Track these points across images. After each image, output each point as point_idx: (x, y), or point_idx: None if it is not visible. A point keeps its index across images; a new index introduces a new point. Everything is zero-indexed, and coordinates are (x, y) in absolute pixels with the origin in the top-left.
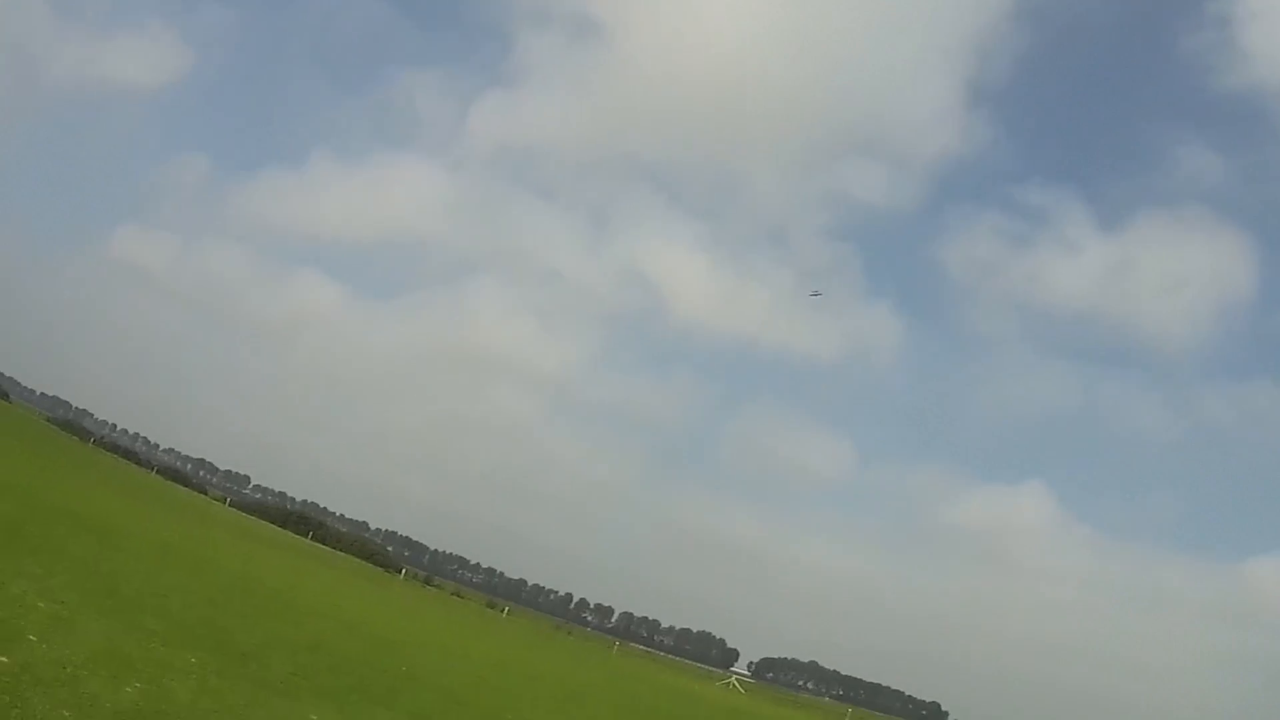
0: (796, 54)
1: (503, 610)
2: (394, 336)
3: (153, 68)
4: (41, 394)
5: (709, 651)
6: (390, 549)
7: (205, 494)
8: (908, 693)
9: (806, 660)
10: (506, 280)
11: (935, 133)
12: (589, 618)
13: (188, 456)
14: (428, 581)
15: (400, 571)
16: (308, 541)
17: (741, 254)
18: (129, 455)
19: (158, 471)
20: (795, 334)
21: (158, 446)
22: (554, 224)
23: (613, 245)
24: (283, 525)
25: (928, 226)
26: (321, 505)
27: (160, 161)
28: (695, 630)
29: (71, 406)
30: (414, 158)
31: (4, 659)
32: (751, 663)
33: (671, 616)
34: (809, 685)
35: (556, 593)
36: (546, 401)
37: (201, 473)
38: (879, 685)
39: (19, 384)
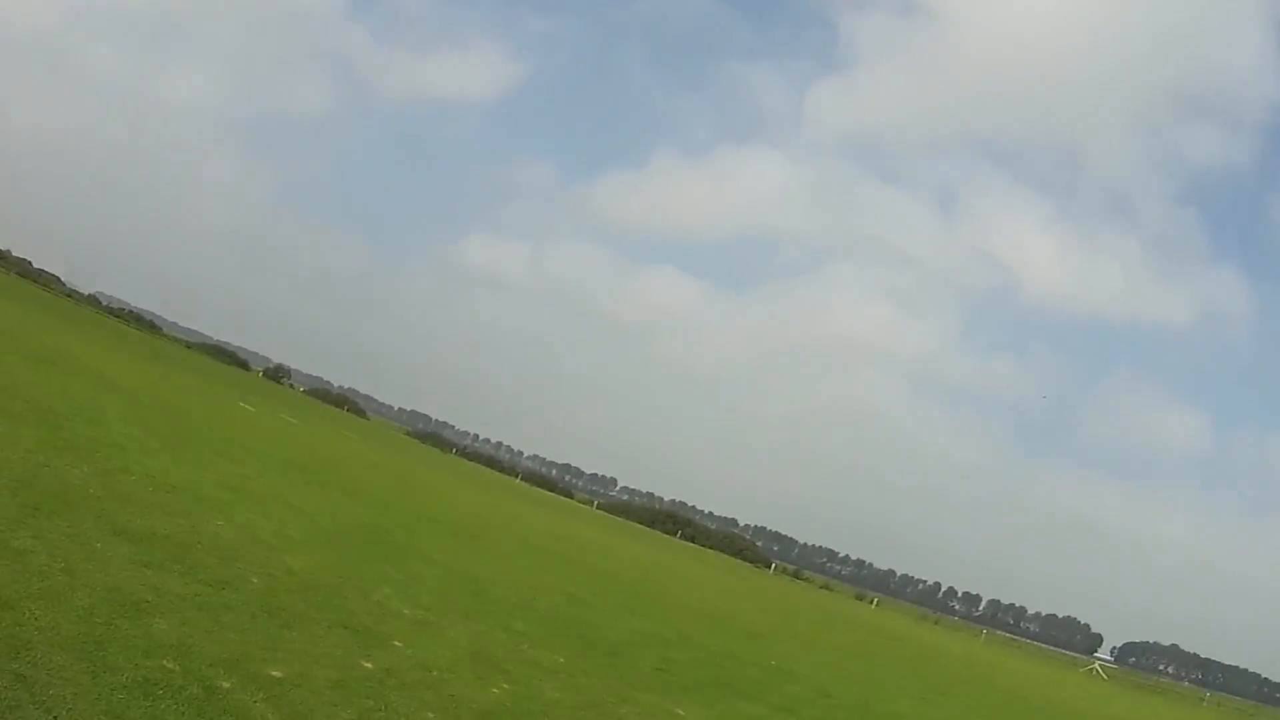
0: (1119, 15)
1: (871, 601)
2: (752, 329)
3: (484, 82)
4: (400, 409)
5: (1073, 638)
6: (759, 544)
7: (572, 498)
8: (1264, 675)
9: (1167, 643)
10: (859, 266)
11: (1258, 82)
12: (956, 606)
13: (552, 462)
14: (796, 575)
15: (770, 566)
16: (676, 540)
17: (1086, 226)
18: (492, 463)
19: (522, 478)
20: (1147, 303)
21: (521, 454)
22: (901, 207)
23: (960, 225)
24: (651, 525)
25: (1264, 181)
26: (690, 504)
27: (504, 170)
28: (1060, 616)
29: (431, 419)
30: (757, 150)
31: (369, 664)
32: (1114, 648)
33: (1037, 602)
34: (1169, 670)
35: (925, 582)
36: (907, 385)
37: (568, 477)
38: (1236, 668)
39: (376, 400)
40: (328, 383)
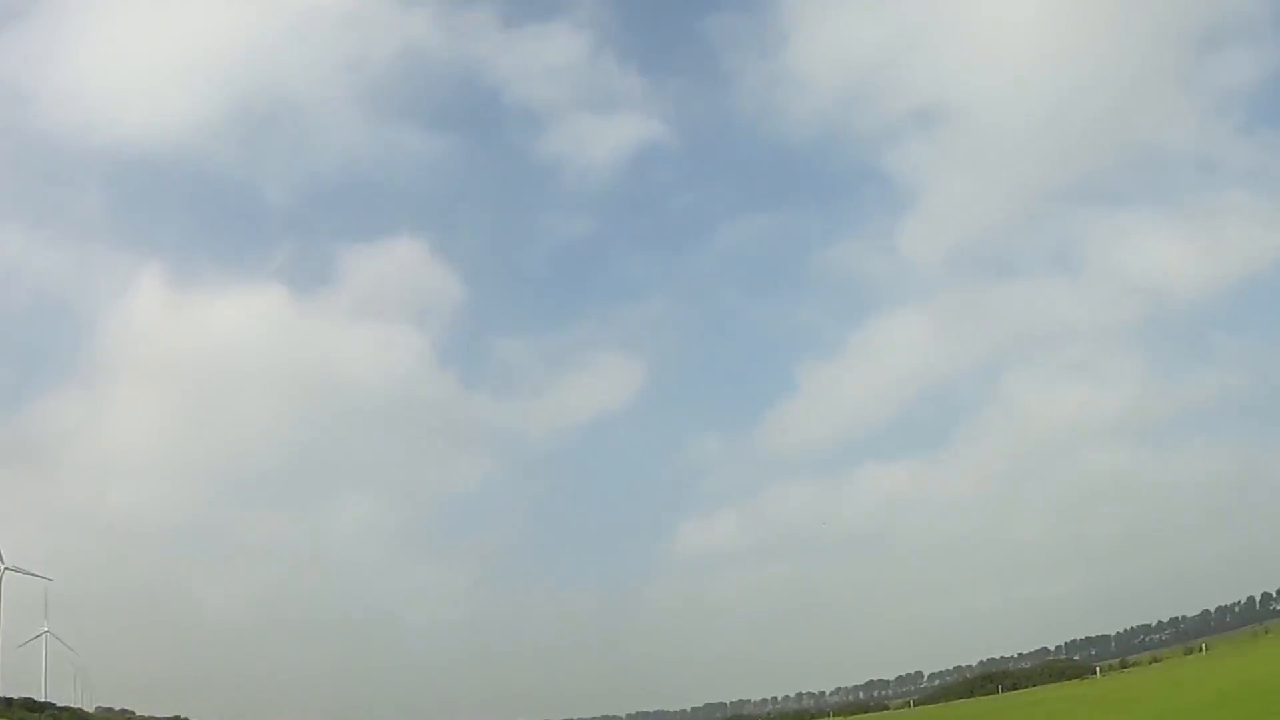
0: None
1: (1201, 649)
2: (969, 474)
3: (614, 390)
4: (693, 709)
5: None
6: (1075, 657)
7: (887, 708)
8: None
9: None
10: (1026, 364)
11: None
12: (1277, 608)
13: (856, 686)
14: (1123, 664)
15: (1095, 671)
16: (1000, 696)
17: (1192, 207)
18: (799, 715)
19: (833, 714)
20: None
21: (823, 694)
22: (1032, 290)
23: (1089, 274)
24: (970, 694)
25: None
26: (998, 656)
27: (677, 456)
28: None
29: (726, 705)
30: (881, 316)
31: None
32: None
33: None
34: None
35: (1239, 602)
36: (1130, 440)
37: (875, 692)
38: None
39: (667, 712)
40: (615, 716)
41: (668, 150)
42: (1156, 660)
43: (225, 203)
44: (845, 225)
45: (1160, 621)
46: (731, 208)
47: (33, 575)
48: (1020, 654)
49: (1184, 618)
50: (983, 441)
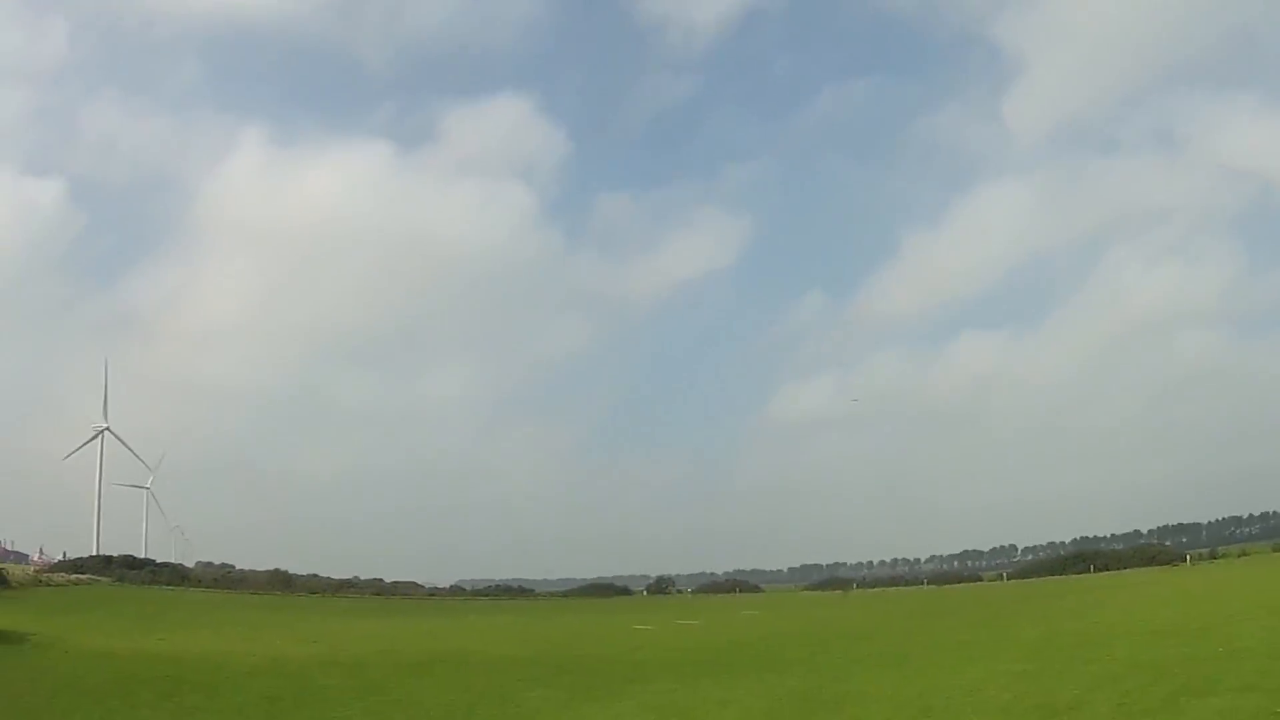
0: None
1: None
2: (1064, 350)
3: (718, 247)
4: (789, 569)
5: None
6: (1167, 543)
7: (980, 579)
8: None
9: None
10: (1126, 242)
11: None
12: None
13: (951, 555)
14: (1212, 556)
15: (1185, 559)
16: (1091, 575)
17: None
18: (894, 581)
19: (927, 582)
20: None
21: (918, 561)
22: (1133, 170)
23: (1193, 157)
24: (1062, 572)
25: None
26: (1091, 535)
27: (778, 317)
28: None
29: (822, 566)
30: (985, 186)
31: None
32: None
33: None
34: None
35: None
36: (1227, 328)
37: (969, 563)
38: None
39: (764, 571)
40: (712, 574)
41: (773, 12)
42: (1245, 555)
43: (326, 67)
44: (949, 93)
45: (1251, 515)
46: (836, 71)
47: (135, 455)
48: (1113, 534)
49: (1274, 514)
50: (1078, 319)
